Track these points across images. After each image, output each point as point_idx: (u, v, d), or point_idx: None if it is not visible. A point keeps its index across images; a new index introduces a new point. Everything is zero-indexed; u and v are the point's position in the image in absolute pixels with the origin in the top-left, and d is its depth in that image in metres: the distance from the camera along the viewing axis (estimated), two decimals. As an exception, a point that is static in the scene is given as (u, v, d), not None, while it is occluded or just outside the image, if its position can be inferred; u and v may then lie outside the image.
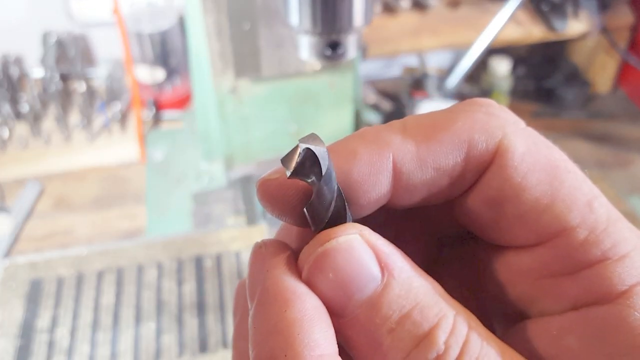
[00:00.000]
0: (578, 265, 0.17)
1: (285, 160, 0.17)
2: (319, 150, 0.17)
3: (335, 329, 0.16)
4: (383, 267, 0.16)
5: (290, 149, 0.17)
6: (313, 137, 0.17)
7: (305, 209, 0.18)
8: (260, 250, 0.18)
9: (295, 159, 0.17)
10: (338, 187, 0.17)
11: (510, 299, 0.19)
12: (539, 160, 0.18)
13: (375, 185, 0.18)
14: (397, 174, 0.18)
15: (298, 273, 0.17)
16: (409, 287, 0.16)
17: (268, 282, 0.17)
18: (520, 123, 0.19)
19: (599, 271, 0.17)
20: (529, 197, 0.17)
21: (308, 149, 0.16)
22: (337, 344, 0.16)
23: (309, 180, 0.17)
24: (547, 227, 0.17)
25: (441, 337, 0.15)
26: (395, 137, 0.18)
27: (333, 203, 0.17)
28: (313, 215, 0.18)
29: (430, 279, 0.17)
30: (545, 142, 0.18)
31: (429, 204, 0.20)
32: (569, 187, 0.17)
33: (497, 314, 0.17)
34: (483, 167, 0.18)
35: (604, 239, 0.17)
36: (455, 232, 0.21)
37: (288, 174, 0.17)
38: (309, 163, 0.17)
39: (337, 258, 0.16)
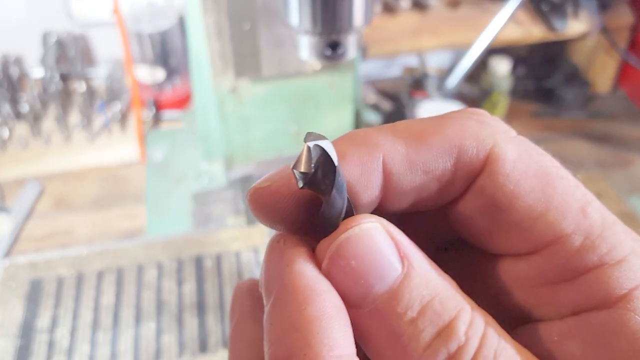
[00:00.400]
0: (575, 271, 0.17)
1: (297, 165, 0.16)
2: (328, 146, 0.16)
3: (351, 323, 0.16)
4: (402, 257, 0.16)
5: (298, 153, 0.16)
6: (315, 136, 0.16)
7: (315, 218, 0.17)
8: (278, 245, 0.17)
9: (307, 161, 0.16)
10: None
11: (509, 305, 0.19)
12: (531, 167, 0.17)
13: (366, 186, 0.18)
14: (386, 176, 0.18)
15: (317, 269, 0.17)
16: (428, 278, 0.16)
17: (286, 278, 0.16)
18: (511, 132, 0.19)
19: (597, 276, 0.16)
20: (522, 204, 0.17)
21: (317, 145, 0.16)
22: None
23: (322, 188, 0.16)
24: (542, 235, 0.17)
25: (462, 328, 0.15)
26: (385, 139, 0.18)
27: (344, 209, 0.17)
28: (324, 224, 0.17)
29: (444, 274, 0.17)
30: (536, 150, 0.18)
31: (419, 210, 0.19)
32: (562, 193, 0.17)
33: (496, 319, 0.17)
34: (473, 174, 0.18)
35: (599, 244, 0.17)
36: (451, 239, 0.21)
37: (300, 184, 0.16)
38: (322, 169, 0.16)
39: (359, 245, 0.16)
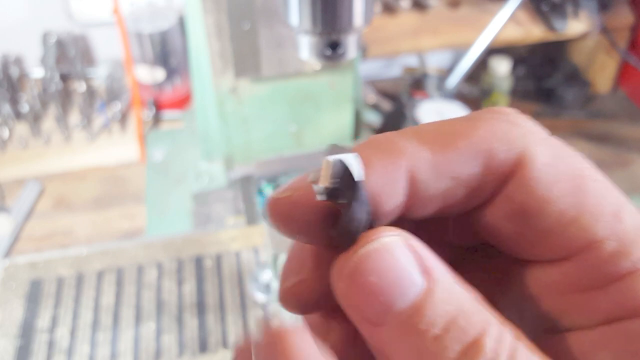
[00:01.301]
0: (608, 278, 0.16)
1: (317, 179, 0.15)
2: (350, 160, 0.15)
3: (370, 340, 0.15)
4: (425, 271, 0.15)
5: (321, 166, 0.15)
6: (338, 149, 0.15)
7: (334, 231, 0.16)
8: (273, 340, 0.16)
9: (327, 175, 0.15)
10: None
11: (537, 314, 0.18)
12: (563, 170, 0.17)
13: (391, 195, 0.17)
14: (412, 183, 0.17)
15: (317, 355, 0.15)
16: (452, 293, 0.15)
17: None
18: (543, 132, 0.18)
19: (631, 283, 0.16)
20: (554, 209, 0.16)
21: (338, 160, 0.15)
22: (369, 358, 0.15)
23: (342, 201, 0.16)
24: (574, 241, 0.16)
25: (489, 344, 0.14)
26: (410, 144, 0.17)
27: (365, 221, 0.16)
28: (343, 236, 0.16)
29: (469, 287, 0.16)
30: (568, 151, 0.17)
31: (444, 216, 0.19)
32: (595, 197, 0.16)
33: (523, 329, 0.17)
34: (503, 178, 0.17)
35: (633, 250, 0.16)
36: (475, 245, 0.20)
37: (319, 197, 0.15)
38: (343, 183, 0.15)
39: (379, 260, 0.15)
